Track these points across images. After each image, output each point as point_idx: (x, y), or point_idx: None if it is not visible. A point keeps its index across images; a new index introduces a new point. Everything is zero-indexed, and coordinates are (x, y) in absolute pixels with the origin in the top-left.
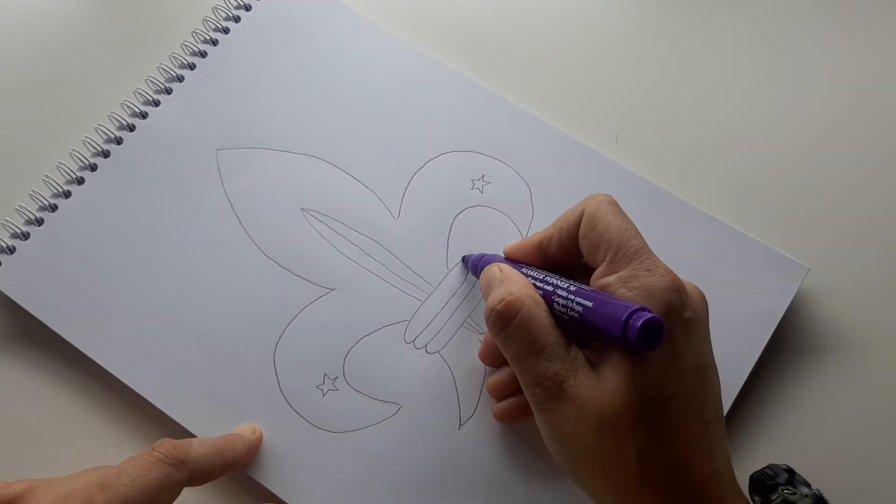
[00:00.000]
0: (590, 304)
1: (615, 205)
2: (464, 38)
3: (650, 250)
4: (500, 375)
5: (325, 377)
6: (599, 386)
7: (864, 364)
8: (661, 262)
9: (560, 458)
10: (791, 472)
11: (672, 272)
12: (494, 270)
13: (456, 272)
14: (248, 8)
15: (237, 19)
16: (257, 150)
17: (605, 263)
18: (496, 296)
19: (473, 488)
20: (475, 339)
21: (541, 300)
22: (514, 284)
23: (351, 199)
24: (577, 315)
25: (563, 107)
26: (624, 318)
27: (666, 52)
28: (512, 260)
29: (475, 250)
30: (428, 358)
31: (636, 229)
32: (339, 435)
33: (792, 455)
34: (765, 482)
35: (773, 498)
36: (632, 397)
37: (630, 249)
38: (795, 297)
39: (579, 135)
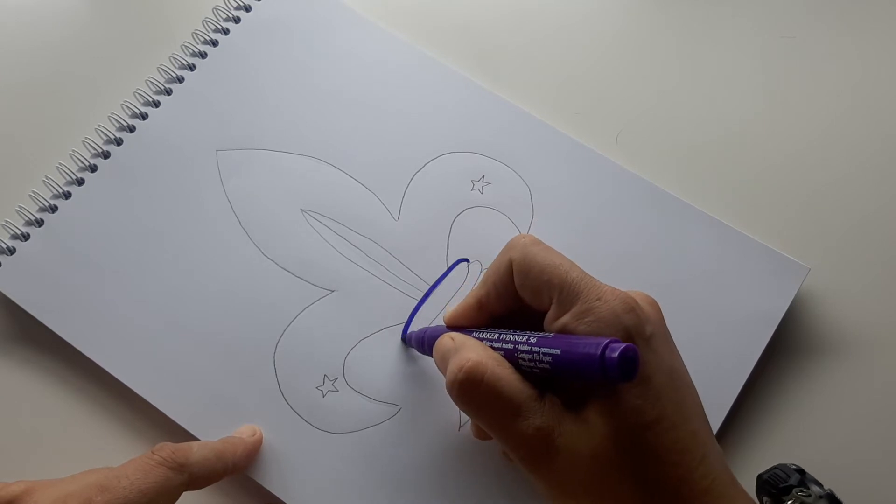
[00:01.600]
0: (557, 352)
1: (538, 243)
2: (464, 38)
3: (590, 277)
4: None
5: (325, 378)
6: (586, 430)
7: (864, 364)
8: (604, 285)
9: None
10: (801, 471)
11: (621, 292)
12: (446, 342)
13: (456, 272)
14: (247, 9)
15: (237, 20)
16: (257, 150)
17: (553, 306)
18: (454, 365)
19: (473, 489)
20: None
21: (502, 360)
22: (470, 350)
23: (351, 200)
24: (547, 366)
25: (563, 107)
26: (598, 354)
27: (666, 53)
28: (458, 327)
29: (475, 251)
30: (428, 359)
31: (569, 261)
32: (338, 436)
33: (792, 455)
34: (776, 484)
35: (788, 502)
36: (620, 432)
37: (572, 284)
38: (795, 297)
39: (579, 135)
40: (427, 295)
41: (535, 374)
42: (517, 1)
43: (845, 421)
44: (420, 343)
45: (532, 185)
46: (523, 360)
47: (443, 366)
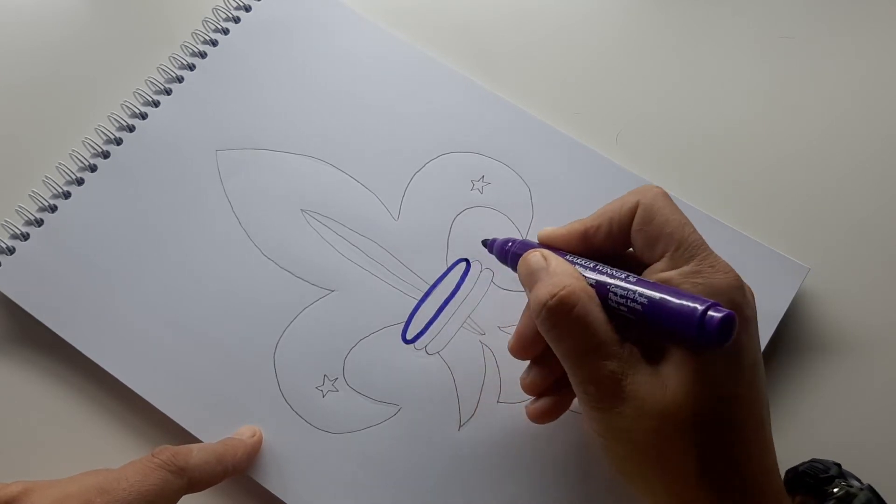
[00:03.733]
0: (657, 296)
1: (669, 198)
2: (464, 38)
3: (709, 246)
4: (537, 372)
5: (325, 378)
6: (660, 384)
7: (864, 364)
8: (721, 258)
9: (613, 457)
10: (839, 466)
11: (733, 269)
12: (538, 259)
13: (456, 272)
14: (247, 9)
15: (237, 20)
16: (257, 150)
17: (665, 259)
18: (546, 289)
19: (473, 489)
20: (475, 340)
21: (593, 293)
22: (565, 276)
23: (351, 199)
24: (638, 308)
25: (563, 107)
26: (700, 311)
27: (666, 53)
28: (551, 247)
29: (475, 251)
30: (428, 359)
31: (692, 224)
32: (338, 436)
33: (791, 455)
34: (817, 475)
35: (834, 491)
36: (696, 396)
37: (692, 245)
38: (795, 297)
39: (579, 135)
40: (427, 295)
41: (622, 314)
42: (517, 1)
43: (845, 421)
44: (503, 253)
45: (532, 185)
46: (614, 295)
47: (528, 281)
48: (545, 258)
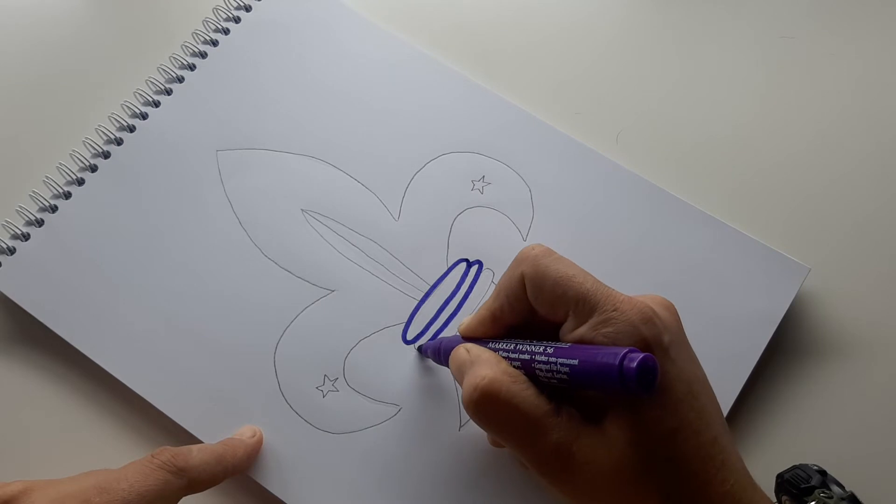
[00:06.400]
0: (575, 362)
1: (549, 254)
2: (464, 38)
3: (605, 286)
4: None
5: (326, 378)
6: (606, 442)
7: (864, 365)
8: (620, 294)
9: None
10: (823, 472)
11: (638, 301)
12: (462, 353)
13: (456, 273)
14: (248, 9)
15: (237, 20)
16: (257, 150)
17: (570, 318)
18: (469, 383)
19: (473, 489)
20: None
21: (517, 373)
22: (485, 365)
23: (351, 200)
24: (564, 377)
25: (563, 107)
26: (617, 364)
27: (666, 54)
28: (473, 338)
29: (475, 251)
30: (428, 359)
31: (582, 271)
32: (339, 436)
33: (791, 456)
34: (798, 484)
35: (810, 503)
36: (642, 444)
37: (588, 295)
38: (796, 297)
39: (580, 135)
40: (427, 295)
41: (553, 385)
42: (517, 1)
43: (845, 421)
44: (436, 354)
45: (532, 185)
46: (540, 370)
47: (459, 378)
48: (467, 350)
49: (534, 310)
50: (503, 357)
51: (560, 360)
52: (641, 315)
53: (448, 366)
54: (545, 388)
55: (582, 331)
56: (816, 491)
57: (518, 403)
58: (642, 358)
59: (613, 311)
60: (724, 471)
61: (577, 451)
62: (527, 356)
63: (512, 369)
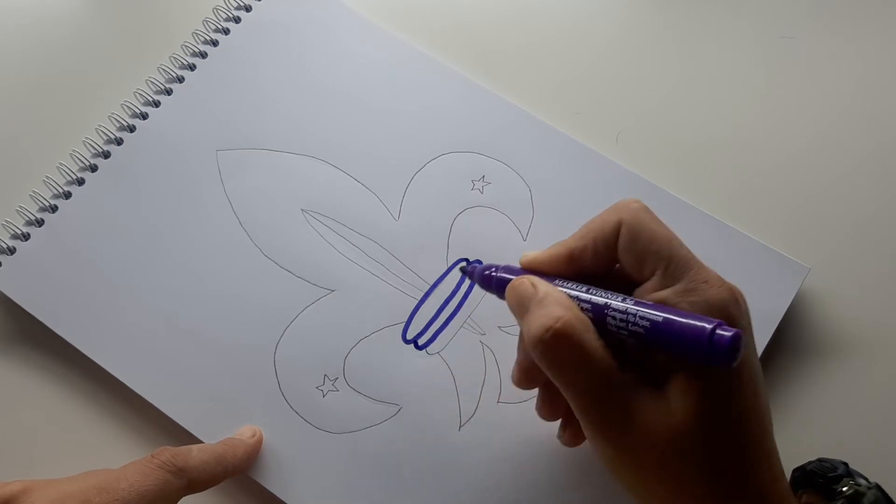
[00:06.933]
0: (660, 319)
1: (649, 211)
2: (464, 38)
3: (698, 259)
4: (548, 398)
5: (326, 378)
6: (666, 408)
7: (864, 365)
8: (712, 270)
9: (622, 479)
10: (846, 464)
11: (726, 281)
12: (527, 286)
13: (456, 272)
14: (248, 9)
15: (237, 20)
16: (257, 150)
17: (656, 277)
18: (539, 322)
19: (473, 489)
20: (476, 340)
21: (588, 321)
22: (558, 306)
23: (351, 200)
24: (640, 331)
25: (563, 107)
26: (708, 332)
27: (666, 54)
28: (537, 272)
29: (475, 251)
30: (428, 359)
31: (678, 237)
32: (339, 436)
33: (791, 455)
34: (825, 473)
35: (843, 490)
36: (704, 419)
37: (682, 261)
38: (795, 297)
39: (580, 135)
40: (427, 295)
41: (621, 337)
42: (517, 1)
43: (846, 420)
44: (486, 281)
45: (532, 185)
46: (613, 319)
47: (520, 311)
48: (534, 285)
49: (612, 262)
50: (572, 300)
51: (642, 312)
52: (732, 294)
53: (499, 295)
54: (610, 343)
55: (666, 293)
56: (845, 479)
57: (589, 352)
58: (736, 332)
59: (704, 282)
60: (768, 460)
61: (636, 411)
62: (601, 302)
63: (582, 314)
